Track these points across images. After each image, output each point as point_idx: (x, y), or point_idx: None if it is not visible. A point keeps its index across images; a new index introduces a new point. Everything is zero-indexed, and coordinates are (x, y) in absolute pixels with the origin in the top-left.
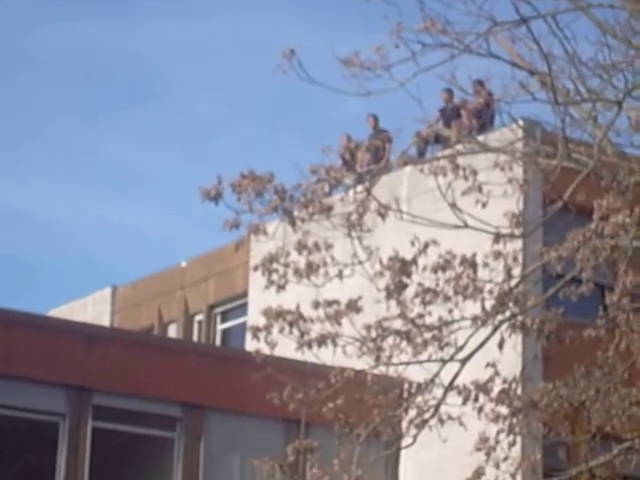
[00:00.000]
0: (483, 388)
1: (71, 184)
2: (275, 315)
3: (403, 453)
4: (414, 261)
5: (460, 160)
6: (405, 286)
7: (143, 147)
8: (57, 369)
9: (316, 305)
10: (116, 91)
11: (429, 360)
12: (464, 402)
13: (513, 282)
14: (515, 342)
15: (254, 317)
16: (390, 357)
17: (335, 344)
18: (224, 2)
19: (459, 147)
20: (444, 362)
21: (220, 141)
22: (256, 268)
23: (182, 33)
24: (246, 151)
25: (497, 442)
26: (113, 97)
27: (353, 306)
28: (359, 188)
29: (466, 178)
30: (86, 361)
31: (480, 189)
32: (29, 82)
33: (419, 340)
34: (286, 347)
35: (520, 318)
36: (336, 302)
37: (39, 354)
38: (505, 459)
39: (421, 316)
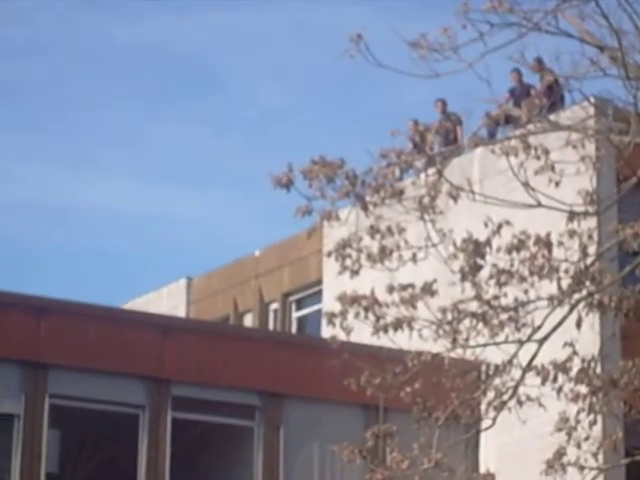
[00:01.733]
0: (562, 368)
1: (139, 177)
2: (350, 300)
3: (483, 436)
4: (488, 242)
5: (531, 139)
6: (480, 268)
7: (209, 137)
8: (135, 361)
9: (391, 289)
10: (180, 84)
11: (506, 341)
12: (543, 382)
13: (589, 260)
14: (593, 321)
15: (329, 304)
16: (467, 339)
17: (411, 328)
18: None
19: (530, 127)
20: (521, 343)
21: (287, 129)
22: (329, 254)
23: (245, 24)
24: (313, 138)
25: (577, 422)
26: (176, 89)
27: (428, 289)
28: (430, 171)
29: (538, 157)
30: (163, 353)
31: (553, 168)
32: (95, 78)
33: (495, 321)
34: (362, 332)
35: (597, 296)
36: (411, 286)
37: (117, 347)
38: (586, 439)
39: (497, 297)
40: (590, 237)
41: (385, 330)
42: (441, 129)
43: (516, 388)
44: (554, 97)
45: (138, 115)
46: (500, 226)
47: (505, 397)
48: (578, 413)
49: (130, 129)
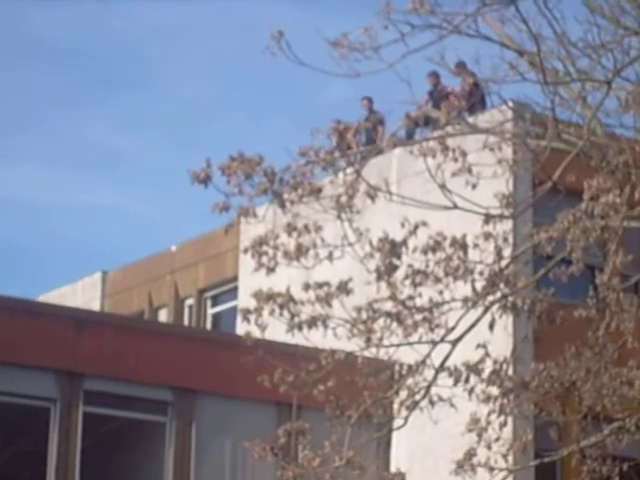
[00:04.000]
0: (474, 369)
1: (58, 169)
2: (265, 297)
3: (395, 435)
4: (404, 242)
5: (449, 141)
6: (395, 268)
7: (131, 132)
8: (48, 354)
9: (306, 287)
10: (102, 77)
11: (420, 342)
12: (455, 383)
13: (503, 263)
14: (506, 323)
15: (244, 300)
16: (381, 339)
17: (326, 326)
18: None
19: (448, 128)
20: (435, 343)
21: (208, 125)
22: (246, 251)
23: (168, 17)
24: (234, 135)
25: (488, 423)
26: (99, 83)
27: (343, 288)
28: (349, 170)
29: (456, 159)
30: (77, 346)
31: (470, 170)
32: (18, 70)
33: (410, 322)
34: (277, 330)
35: (511, 299)
36: (326, 284)
37: (29, 339)
38: (496, 440)
39: (411, 298)
40: (505, 240)
41: (300, 328)
42: (361, 128)
43: (428, 388)
44: (474, 99)
45: (60, 107)
46: (416, 227)
47: (417, 397)
48: (489, 414)
49: (49, 119)
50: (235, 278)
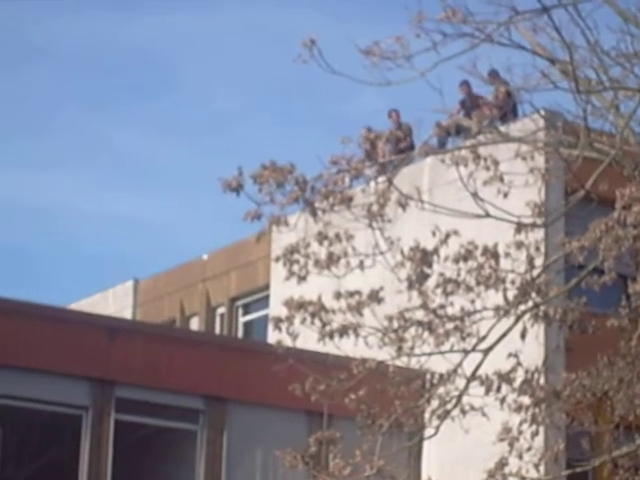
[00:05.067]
0: (506, 378)
1: (88, 177)
2: (297, 306)
3: (426, 444)
4: (435, 251)
5: (481, 150)
6: (426, 276)
7: (160, 140)
8: (80, 362)
9: (338, 296)
10: (131, 84)
11: (451, 351)
12: (486, 392)
13: (535, 272)
14: (537, 332)
15: (276, 309)
16: (412, 348)
17: (357, 335)
18: None
19: (480, 137)
20: (466, 352)
21: (238, 134)
22: (277, 259)
23: (199, 26)
24: (264, 143)
25: (520, 432)
26: (128, 90)
27: (375, 297)
28: (380, 179)
29: (488, 168)
30: (109, 354)
31: (502, 179)
32: (42, 74)
33: (441, 331)
34: (308, 338)
35: (543, 308)
36: (358, 293)
37: (62, 347)
38: (528, 449)
39: (443, 306)
40: (537, 249)
41: (331, 336)
42: (392, 137)
43: (460, 397)
44: (506, 108)
45: (90, 116)
46: (448, 235)
47: (449, 406)
48: (521, 424)
49: (83, 130)
50: (266, 286)
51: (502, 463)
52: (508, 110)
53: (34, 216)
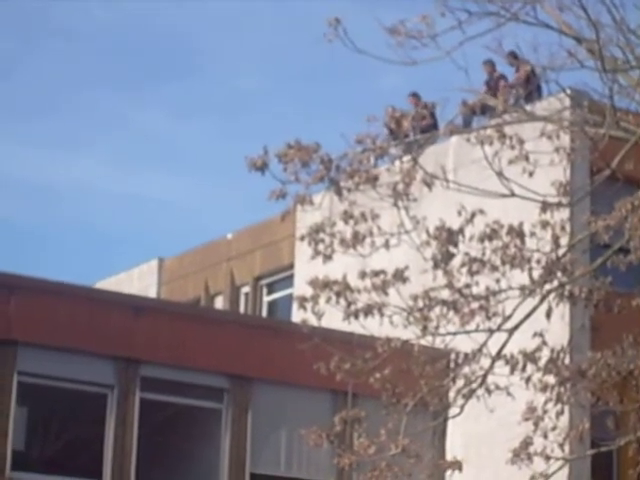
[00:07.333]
0: (531, 357)
1: (112, 158)
2: (322, 285)
3: (450, 423)
4: (461, 231)
5: (507, 129)
6: (452, 256)
7: (184, 120)
8: (105, 341)
9: (363, 275)
10: (153, 65)
11: (476, 330)
12: (512, 372)
13: (561, 251)
14: (563, 311)
15: (300, 288)
16: (437, 327)
17: (382, 314)
18: None
19: (506, 116)
20: (491, 332)
21: (262, 114)
22: (302, 238)
23: (222, 7)
24: (288, 123)
25: (545, 412)
26: (149, 70)
27: (400, 276)
28: (405, 158)
29: (513, 147)
30: (133, 333)
31: (527, 158)
32: (67, 55)
33: (466, 310)
34: (333, 318)
35: (568, 287)
36: (383, 272)
37: (87, 326)
38: (553, 429)
39: (468, 286)
40: (562, 228)
41: (356, 316)
42: (417, 117)
43: (485, 377)
44: (531, 87)
45: (114, 97)
46: (473, 215)
47: (474, 385)
48: (546, 403)
49: (107, 110)
50: (291, 266)
51: (527, 442)
52: (533, 89)
53: (55, 197)
